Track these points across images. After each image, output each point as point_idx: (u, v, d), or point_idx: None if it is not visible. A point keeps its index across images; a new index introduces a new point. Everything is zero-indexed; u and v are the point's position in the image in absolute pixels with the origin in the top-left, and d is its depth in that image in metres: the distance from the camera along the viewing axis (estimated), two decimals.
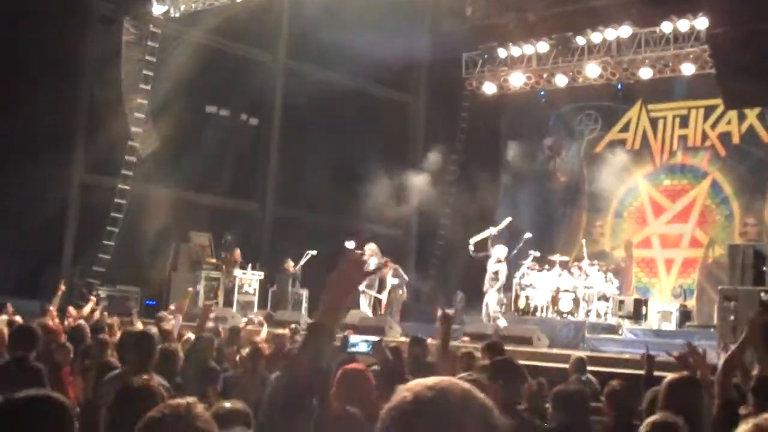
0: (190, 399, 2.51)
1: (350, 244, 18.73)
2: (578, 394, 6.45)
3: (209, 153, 22.34)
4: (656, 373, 7.76)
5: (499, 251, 18.49)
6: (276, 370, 8.71)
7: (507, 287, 21.36)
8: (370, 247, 19.47)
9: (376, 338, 5.79)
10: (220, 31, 22.13)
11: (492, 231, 19.11)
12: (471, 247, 19.39)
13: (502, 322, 17.92)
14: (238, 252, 21.16)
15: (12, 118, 17.76)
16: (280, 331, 12.48)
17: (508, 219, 20.15)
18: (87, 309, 13.65)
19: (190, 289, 16.48)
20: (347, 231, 20.34)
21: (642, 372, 8.24)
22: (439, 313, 7.76)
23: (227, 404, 3.89)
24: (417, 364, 9.29)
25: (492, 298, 18.30)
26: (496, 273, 18.35)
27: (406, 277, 20.28)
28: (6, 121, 17.82)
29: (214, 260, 21.38)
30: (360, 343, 5.57)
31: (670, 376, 5.36)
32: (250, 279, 21.33)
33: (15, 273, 18.14)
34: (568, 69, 23.39)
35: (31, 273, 19.05)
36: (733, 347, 5.84)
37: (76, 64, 20.50)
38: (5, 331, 9.12)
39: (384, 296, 19.73)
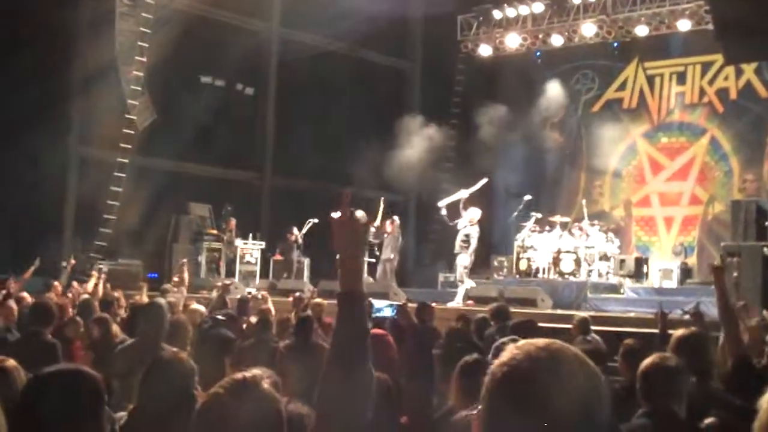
0: (254, 372, 2.50)
1: (360, 213, 18.62)
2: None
3: (206, 124, 22.28)
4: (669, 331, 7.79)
5: (472, 213, 18.20)
6: (284, 337, 8.76)
7: (508, 249, 21.43)
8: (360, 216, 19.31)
9: (399, 302, 5.81)
10: (214, 1, 21.99)
11: (463, 194, 18.86)
12: (443, 212, 19.21)
13: (469, 283, 17.81)
14: (233, 221, 21.13)
15: (6, 93, 17.66)
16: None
17: (484, 180, 19.86)
18: (91, 284, 13.63)
19: (184, 260, 16.46)
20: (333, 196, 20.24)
21: (649, 330, 8.27)
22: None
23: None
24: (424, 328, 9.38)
25: (463, 261, 17.99)
26: (467, 236, 18.05)
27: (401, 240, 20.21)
28: (3, 97, 17.73)
29: (214, 231, 21.38)
30: (385, 308, 5.59)
31: (679, 331, 5.37)
32: (251, 249, 21.34)
33: (15, 249, 18.11)
34: (564, 29, 23.36)
35: (32, 249, 19.06)
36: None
37: (70, 37, 20.36)
38: (14, 307, 9.15)
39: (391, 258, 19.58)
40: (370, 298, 5.54)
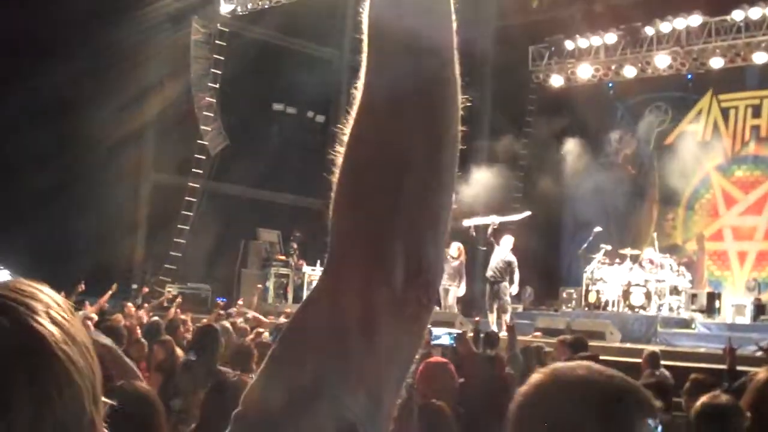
0: None
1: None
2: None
3: (277, 151, 22.50)
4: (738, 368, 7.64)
5: (509, 241, 18.10)
6: None
7: (577, 281, 21.20)
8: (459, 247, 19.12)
9: (458, 330, 5.78)
10: (286, 29, 22.26)
11: (494, 219, 18.70)
12: (472, 232, 19.10)
13: (508, 317, 17.46)
14: (295, 247, 21.27)
15: (85, 120, 18.03)
16: None
17: (527, 213, 19.83)
18: (171, 310, 13.87)
19: (259, 285, 16.62)
20: None
21: (720, 366, 8.10)
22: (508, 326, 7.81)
23: None
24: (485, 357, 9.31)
25: (509, 291, 17.85)
26: (509, 264, 17.91)
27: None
28: (79, 124, 18.10)
29: (283, 257, 21.52)
30: (443, 335, 5.58)
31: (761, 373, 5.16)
32: (318, 275, 21.38)
33: (89, 272, 18.43)
34: (637, 60, 23.12)
35: (106, 272, 19.38)
36: None
37: (147, 64, 20.76)
38: (89, 326, 9.31)
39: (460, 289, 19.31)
40: (429, 326, 5.50)
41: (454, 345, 5.50)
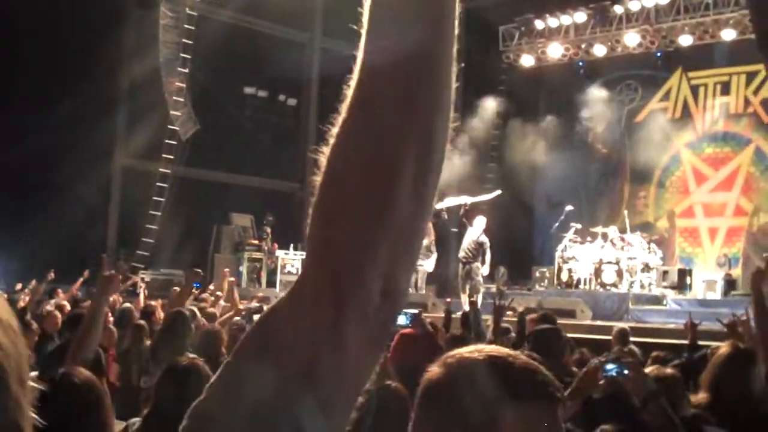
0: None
1: None
2: None
3: (249, 134, 22.43)
4: (701, 342, 7.70)
5: (481, 221, 18.11)
6: None
7: (550, 261, 21.29)
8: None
9: (414, 311, 5.79)
10: (256, 12, 22.13)
11: (467, 200, 18.74)
12: (444, 215, 19.17)
13: (480, 298, 17.38)
14: (268, 231, 21.25)
15: (53, 105, 17.89)
16: None
17: (497, 192, 19.93)
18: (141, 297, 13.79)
19: (227, 269, 16.55)
20: None
21: (686, 341, 8.16)
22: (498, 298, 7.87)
23: None
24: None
25: (483, 271, 17.80)
26: (481, 245, 17.91)
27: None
28: (47, 108, 17.96)
29: (256, 241, 21.48)
30: (398, 315, 5.56)
31: (722, 349, 5.19)
32: (292, 259, 21.39)
33: (60, 259, 18.31)
34: (607, 38, 23.22)
35: (77, 259, 19.27)
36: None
37: (115, 49, 20.62)
38: (58, 315, 9.29)
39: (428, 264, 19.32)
40: None
41: (410, 325, 5.51)
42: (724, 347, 4.96)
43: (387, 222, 1.04)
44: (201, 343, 7.18)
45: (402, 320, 5.52)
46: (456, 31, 1.13)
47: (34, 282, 12.93)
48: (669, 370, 4.62)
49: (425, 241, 18.65)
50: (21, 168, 17.47)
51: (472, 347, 1.77)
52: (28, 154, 17.12)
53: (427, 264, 19.04)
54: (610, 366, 4.28)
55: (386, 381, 3.86)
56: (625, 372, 4.17)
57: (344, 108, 1.10)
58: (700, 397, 4.66)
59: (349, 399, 1.08)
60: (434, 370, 1.73)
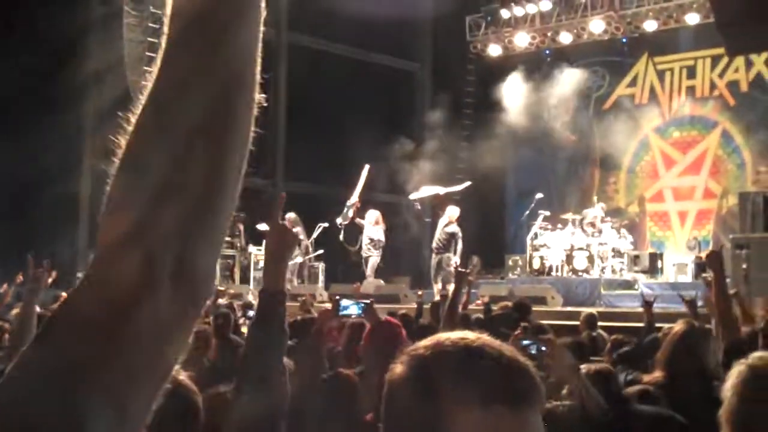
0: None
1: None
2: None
3: None
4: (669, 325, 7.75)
5: (452, 211, 18.22)
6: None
7: (522, 249, 21.37)
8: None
9: (366, 301, 5.79)
10: None
11: (439, 190, 18.86)
12: (417, 206, 19.30)
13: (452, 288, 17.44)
14: (240, 227, 21.22)
15: (19, 102, 17.79)
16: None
17: (467, 183, 20.07)
18: None
19: None
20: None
21: (662, 324, 8.18)
22: (456, 268, 7.79)
23: None
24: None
25: (454, 262, 17.85)
26: (452, 235, 18.01)
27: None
28: (15, 107, 17.86)
29: (228, 238, 21.42)
30: (351, 305, 5.59)
31: (675, 326, 5.25)
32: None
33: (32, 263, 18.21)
34: (572, 26, 23.35)
35: (48, 262, 19.17)
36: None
37: (79, 48, 20.49)
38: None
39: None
40: (338, 296, 5.58)
41: (362, 315, 5.51)
42: (677, 325, 5.03)
43: (170, 193, 1.00)
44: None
45: (354, 310, 5.54)
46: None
47: (4, 287, 12.83)
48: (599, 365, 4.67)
49: (374, 231, 18.83)
50: None
51: (433, 338, 1.54)
52: None
53: (375, 257, 19.17)
54: (525, 342, 4.34)
55: (338, 369, 3.89)
56: (542, 348, 4.22)
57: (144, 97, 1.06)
58: (656, 375, 4.71)
59: (146, 396, 0.99)
60: (395, 368, 1.53)
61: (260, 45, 1.10)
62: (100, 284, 0.98)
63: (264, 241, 2.73)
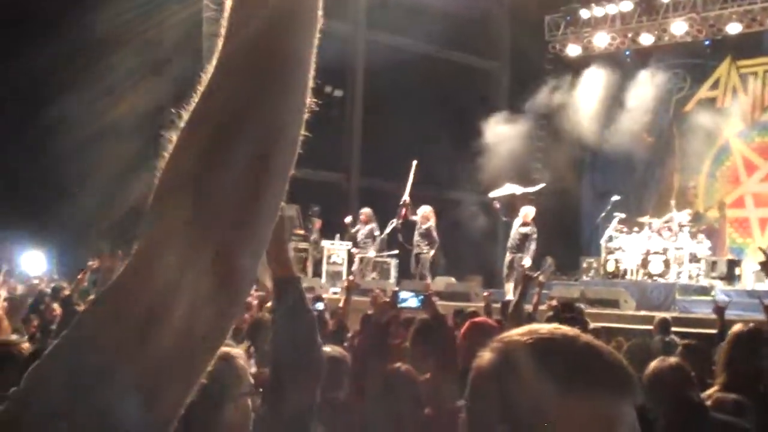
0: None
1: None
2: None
3: None
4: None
5: (528, 211, 18.11)
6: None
7: (598, 251, 21.15)
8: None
9: (425, 293, 5.81)
10: None
11: (516, 189, 18.73)
12: (496, 204, 19.19)
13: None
14: (318, 222, 21.34)
15: (96, 97, 18.11)
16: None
17: (542, 184, 19.96)
18: None
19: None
20: (425, 200, 20.22)
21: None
22: (523, 271, 7.81)
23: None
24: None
25: (525, 263, 17.72)
26: (526, 236, 17.90)
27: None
28: (92, 97, 18.17)
29: (302, 231, 21.57)
30: (410, 298, 5.62)
31: (733, 328, 5.20)
32: (338, 249, 21.44)
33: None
34: (653, 27, 23.04)
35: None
36: None
37: (159, 40, 20.82)
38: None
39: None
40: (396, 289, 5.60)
41: (421, 308, 5.51)
42: (735, 327, 4.98)
43: (215, 191, 1.00)
44: (247, 331, 7.36)
45: (413, 303, 5.55)
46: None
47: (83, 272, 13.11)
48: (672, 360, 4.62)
49: (424, 227, 18.83)
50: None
51: (526, 327, 1.54)
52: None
53: (426, 254, 19.20)
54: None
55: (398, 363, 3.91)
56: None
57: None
58: (719, 378, 4.66)
59: (179, 388, 1.00)
60: (482, 356, 1.54)
61: (314, 49, 1.12)
62: (139, 275, 0.99)
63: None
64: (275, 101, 1.06)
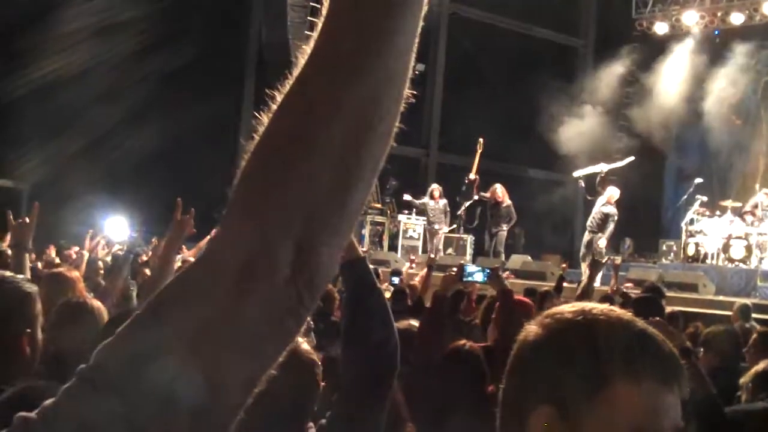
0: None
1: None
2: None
3: None
4: None
5: (611, 191, 17.83)
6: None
7: (678, 234, 20.81)
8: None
9: (492, 267, 5.74)
10: None
11: (603, 167, 18.44)
12: (581, 183, 18.93)
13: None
14: (391, 195, 21.46)
15: (182, 65, 18.29)
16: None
17: (630, 158, 19.61)
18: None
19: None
20: (506, 178, 20.12)
21: None
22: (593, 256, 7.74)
23: None
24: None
25: (601, 243, 17.53)
26: (606, 215, 17.63)
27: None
28: (178, 67, 18.37)
29: (379, 205, 21.63)
30: (476, 272, 5.54)
31: None
32: (414, 224, 21.44)
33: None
34: (744, 6, 22.49)
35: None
36: None
37: (246, 10, 21.00)
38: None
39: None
40: (462, 262, 5.57)
41: (487, 282, 5.42)
42: None
43: (300, 182, 0.96)
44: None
45: (480, 277, 5.48)
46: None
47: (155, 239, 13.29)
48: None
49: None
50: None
51: (578, 304, 1.51)
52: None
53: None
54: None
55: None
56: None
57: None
58: None
59: (246, 377, 0.98)
60: (529, 329, 1.50)
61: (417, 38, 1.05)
62: (216, 263, 0.97)
63: None
64: (376, 85, 1.02)
